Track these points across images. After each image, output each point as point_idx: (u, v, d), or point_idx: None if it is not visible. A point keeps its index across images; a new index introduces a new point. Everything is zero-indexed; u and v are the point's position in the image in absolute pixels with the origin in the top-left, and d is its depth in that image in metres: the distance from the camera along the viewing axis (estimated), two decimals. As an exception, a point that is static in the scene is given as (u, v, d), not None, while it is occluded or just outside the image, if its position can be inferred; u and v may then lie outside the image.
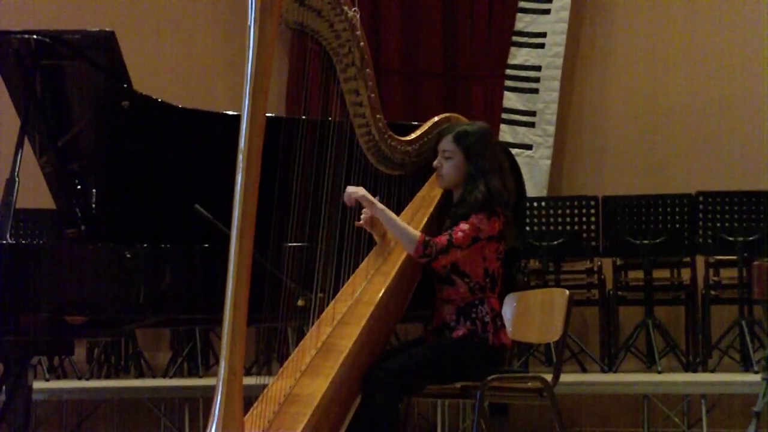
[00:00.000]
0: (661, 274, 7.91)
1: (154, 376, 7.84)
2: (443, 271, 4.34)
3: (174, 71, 8.95)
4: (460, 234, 4.26)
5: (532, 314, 4.61)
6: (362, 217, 4.39)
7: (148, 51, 8.68)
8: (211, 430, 3.47)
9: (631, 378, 7.22)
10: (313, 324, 4.19)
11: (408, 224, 4.47)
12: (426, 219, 4.54)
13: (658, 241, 7.47)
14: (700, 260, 7.83)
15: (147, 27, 8.93)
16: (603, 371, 7.52)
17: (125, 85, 5.00)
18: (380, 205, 4.32)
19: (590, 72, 9.13)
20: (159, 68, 8.71)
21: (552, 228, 7.69)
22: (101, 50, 4.97)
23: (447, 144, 4.43)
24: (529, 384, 4.44)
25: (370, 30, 8.40)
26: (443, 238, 4.26)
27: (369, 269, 4.41)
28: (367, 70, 4.33)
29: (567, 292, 4.43)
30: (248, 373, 7.22)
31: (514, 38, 8.98)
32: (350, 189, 4.33)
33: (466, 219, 4.29)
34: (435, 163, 4.47)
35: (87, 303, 4.66)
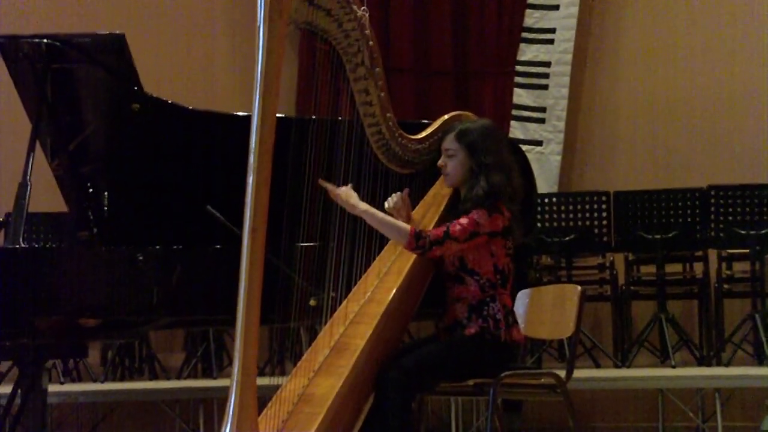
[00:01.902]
0: (674, 268, 7.91)
1: (168, 378, 7.85)
2: (452, 269, 4.34)
3: (180, 73, 8.95)
4: (457, 227, 4.25)
5: (545, 310, 4.61)
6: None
7: (153, 53, 8.67)
8: (225, 431, 3.48)
9: (645, 373, 7.20)
10: (325, 323, 4.20)
11: (420, 221, 4.48)
12: (437, 217, 4.54)
13: (670, 235, 7.46)
14: (712, 254, 7.81)
15: (152, 29, 8.93)
16: (616, 366, 7.51)
17: (136, 88, 5.01)
18: (363, 206, 4.25)
19: (600, 67, 9.12)
20: (164, 70, 8.70)
21: (563, 224, 7.68)
22: (112, 53, 4.99)
23: (449, 142, 4.44)
24: (543, 380, 4.44)
25: (380, 29, 8.43)
26: (439, 230, 4.25)
27: (381, 268, 4.42)
28: (377, 69, 4.34)
29: (579, 287, 4.43)
30: (262, 373, 7.23)
31: (524, 34, 8.98)
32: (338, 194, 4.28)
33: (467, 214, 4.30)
34: (439, 162, 4.47)
35: (100, 305, 4.67)
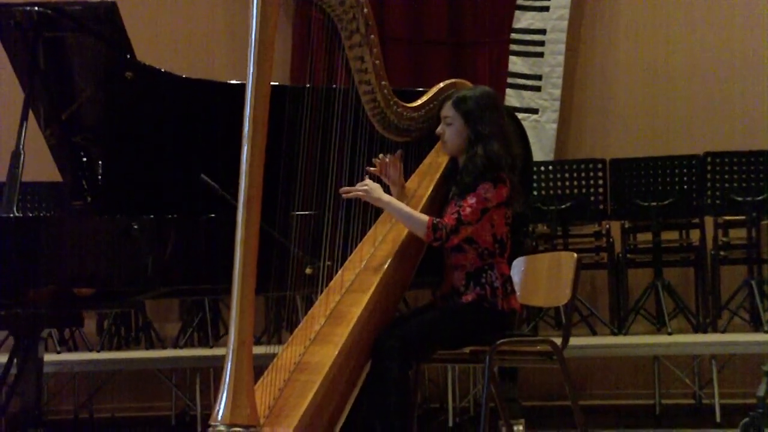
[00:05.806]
0: (670, 235, 7.89)
1: (164, 347, 7.85)
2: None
3: (174, 41, 8.88)
4: (468, 210, 4.24)
5: (540, 278, 4.60)
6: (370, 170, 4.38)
7: (147, 21, 8.63)
8: (221, 399, 3.47)
9: (641, 340, 7.21)
10: (321, 292, 4.19)
11: (415, 191, 4.47)
12: (432, 186, 4.53)
13: (666, 202, 7.45)
14: (708, 221, 7.80)
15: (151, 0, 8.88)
16: (613, 334, 7.51)
17: (128, 56, 4.99)
18: (386, 198, 4.29)
19: (596, 34, 9.07)
20: (158, 38, 8.65)
21: (559, 192, 7.67)
22: (103, 21, 4.96)
23: (447, 110, 4.42)
24: (539, 347, 4.43)
25: (374, -3, 8.36)
26: (452, 218, 4.24)
27: (377, 236, 4.41)
28: (372, 36, 4.31)
29: (575, 255, 4.41)
30: (258, 342, 7.23)
31: (519, 2, 8.92)
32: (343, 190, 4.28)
33: (472, 189, 4.27)
34: (438, 129, 4.45)
35: (95, 275, 4.66)
